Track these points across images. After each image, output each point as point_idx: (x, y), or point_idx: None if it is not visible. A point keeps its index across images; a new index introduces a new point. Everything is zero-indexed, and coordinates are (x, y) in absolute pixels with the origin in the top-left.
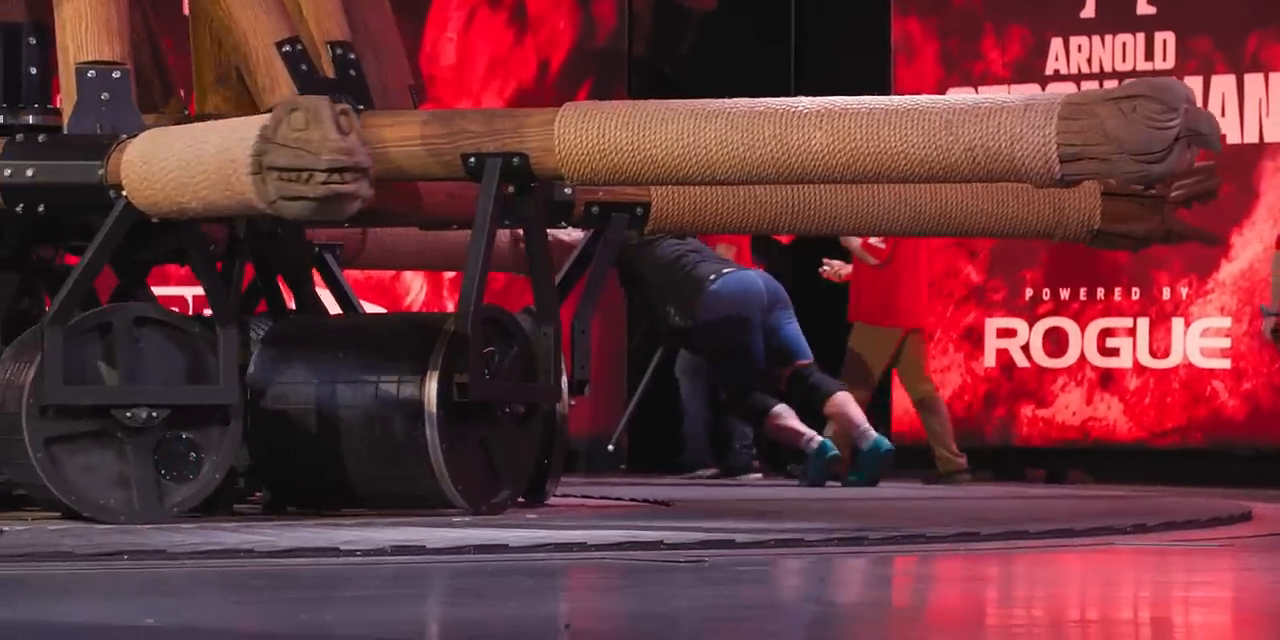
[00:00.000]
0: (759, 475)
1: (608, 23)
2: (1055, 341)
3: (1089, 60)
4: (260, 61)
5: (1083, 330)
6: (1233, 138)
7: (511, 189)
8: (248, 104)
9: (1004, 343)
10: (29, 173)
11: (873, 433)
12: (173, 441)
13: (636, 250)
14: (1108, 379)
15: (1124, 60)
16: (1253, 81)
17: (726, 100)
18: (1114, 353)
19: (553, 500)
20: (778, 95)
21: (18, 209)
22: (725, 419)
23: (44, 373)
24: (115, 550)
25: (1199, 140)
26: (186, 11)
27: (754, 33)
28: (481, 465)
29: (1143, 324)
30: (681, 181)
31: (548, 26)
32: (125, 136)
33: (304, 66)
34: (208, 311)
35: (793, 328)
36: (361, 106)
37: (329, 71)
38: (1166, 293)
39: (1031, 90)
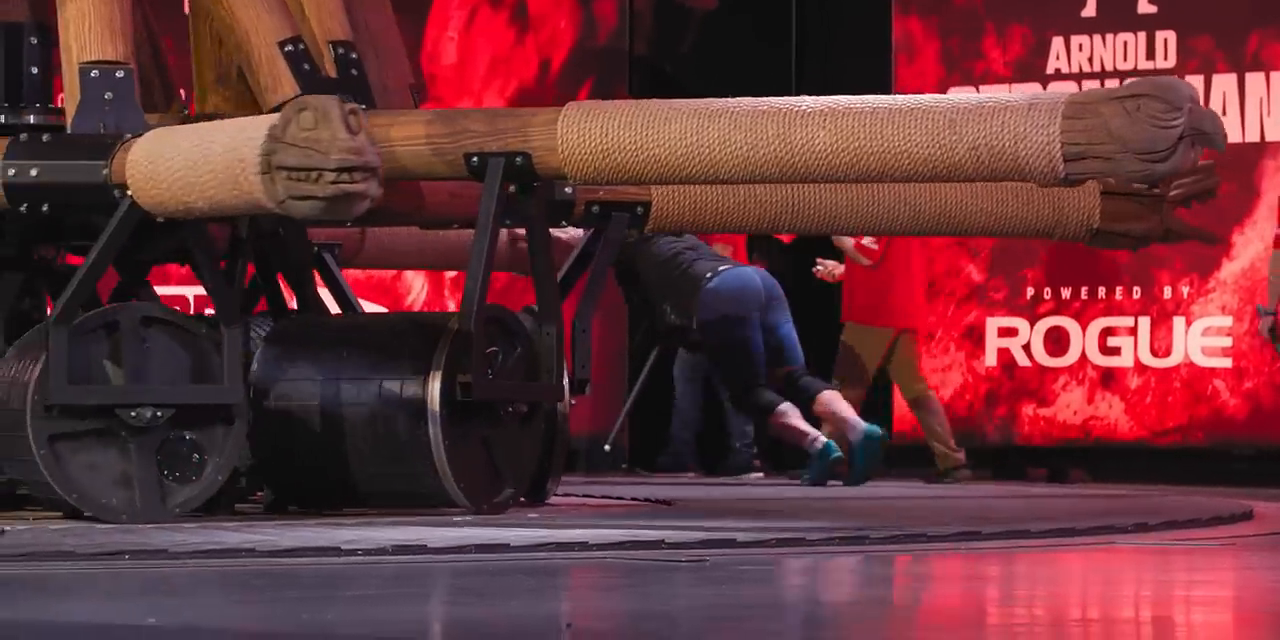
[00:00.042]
0: (760, 475)
1: (609, 22)
2: (1056, 340)
3: (1090, 59)
4: (263, 61)
5: (1084, 329)
6: (1234, 137)
7: (514, 188)
8: (248, 103)
9: (1005, 342)
10: (33, 172)
11: (862, 423)
12: (176, 442)
13: (633, 248)
14: (1109, 378)
15: (1125, 59)
16: (1254, 80)
17: (730, 99)
18: (1115, 352)
19: (554, 499)
20: (779, 94)
21: (21, 209)
22: (725, 419)
23: (49, 372)
24: (117, 550)
25: (1203, 139)
26: (187, 10)
27: (755, 32)
28: (484, 464)
29: (1144, 323)
30: (684, 181)
31: (549, 26)
32: (129, 136)
33: (306, 66)
34: (209, 311)
35: (789, 329)
36: (364, 106)
37: (331, 71)
38: (1168, 292)
39: (1032, 89)
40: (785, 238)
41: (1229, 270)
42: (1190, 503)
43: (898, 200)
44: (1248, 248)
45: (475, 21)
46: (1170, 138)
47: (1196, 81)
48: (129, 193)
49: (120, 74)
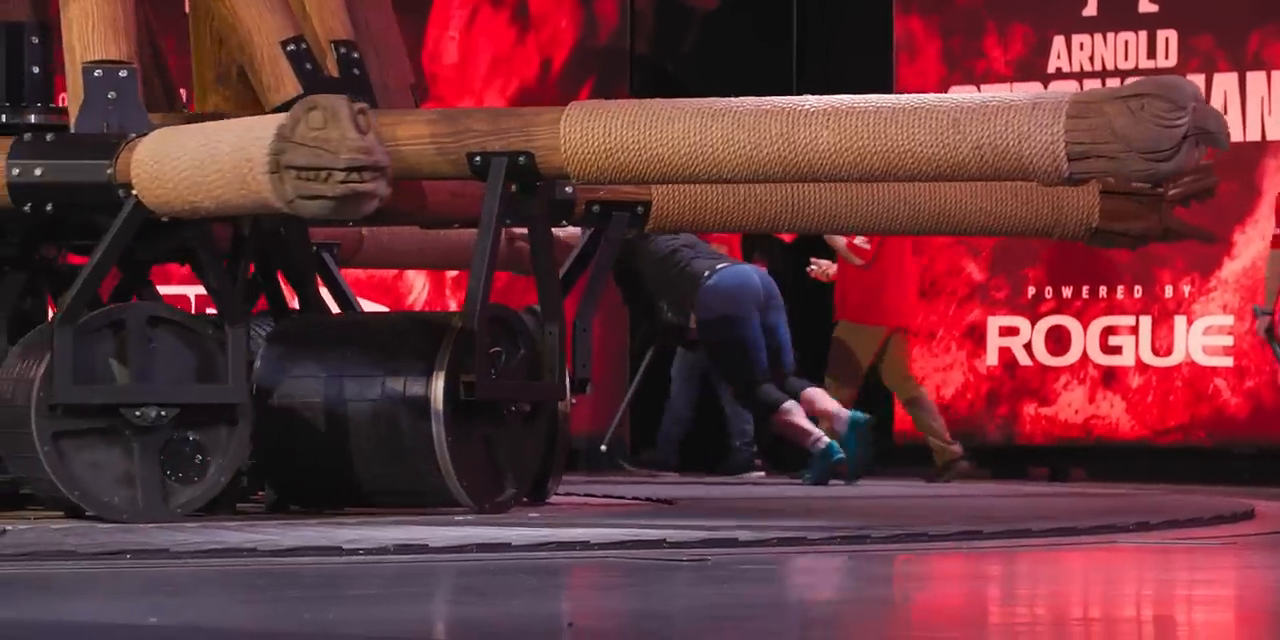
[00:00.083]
0: (761, 474)
1: (610, 21)
2: (1058, 340)
3: (1091, 58)
4: (265, 60)
5: (1085, 328)
6: (1235, 136)
7: (516, 188)
8: (248, 103)
9: (1006, 341)
10: (37, 172)
11: (845, 412)
12: (179, 443)
13: (630, 246)
14: (1110, 377)
15: (1126, 58)
16: (1255, 79)
17: (733, 99)
18: (1116, 351)
19: (555, 499)
20: (780, 94)
21: (26, 208)
22: (724, 418)
23: (54, 371)
24: (118, 549)
25: (1207, 138)
26: (187, 10)
27: (756, 31)
28: (486, 463)
29: (1145, 322)
30: (688, 180)
31: (550, 25)
32: (134, 136)
33: (308, 66)
34: (210, 310)
35: (785, 331)
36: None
37: (333, 71)
38: (1169, 291)
39: (1034, 88)
40: (787, 237)
41: (1230, 269)
42: (1191, 502)
43: (897, 199)
44: (1249, 246)
45: (476, 21)
46: (1174, 137)
47: (1198, 80)
48: (134, 192)
49: (123, 73)
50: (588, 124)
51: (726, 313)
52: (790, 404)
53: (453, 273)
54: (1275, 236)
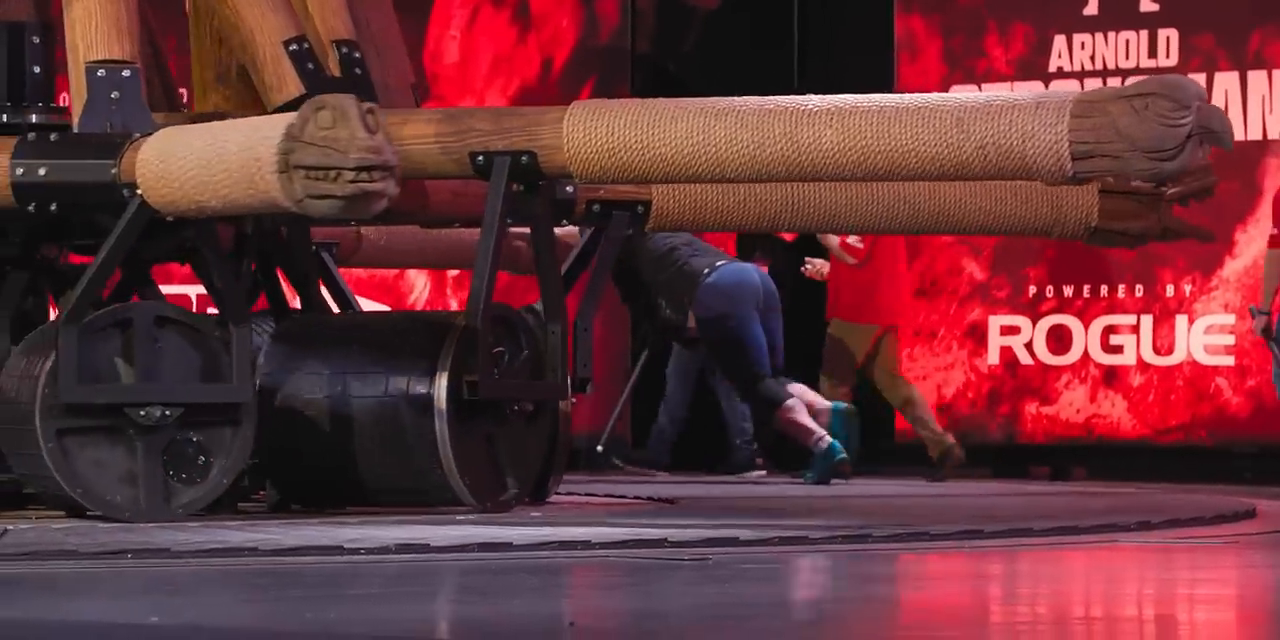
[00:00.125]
0: (762, 472)
1: (611, 21)
2: (1059, 339)
3: (1092, 57)
4: (267, 60)
5: (1086, 327)
6: (1236, 135)
7: (519, 187)
8: (248, 103)
9: (1008, 340)
10: (41, 171)
11: (827, 403)
12: (183, 443)
13: (628, 245)
14: (1111, 376)
15: (1127, 57)
16: (1256, 78)
17: (736, 98)
18: (1118, 350)
19: (556, 498)
20: (781, 93)
21: (30, 208)
22: (723, 417)
23: (59, 370)
24: (120, 549)
25: (1211, 138)
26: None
27: (757, 31)
28: (489, 462)
29: (1146, 321)
30: (691, 180)
31: (551, 24)
32: (138, 135)
33: (310, 65)
34: (211, 310)
35: (779, 334)
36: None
37: (335, 70)
38: (1170, 290)
39: (1035, 88)
40: (788, 236)
41: (1231, 268)
42: (1193, 501)
43: (897, 199)
44: (1250, 245)
45: (477, 20)
46: (1178, 136)
47: (1199, 79)
48: (139, 192)
49: (127, 73)
50: (590, 123)
51: (726, 310)
52: (793, 401)
53: (453, 272)
54: (1272, 236)
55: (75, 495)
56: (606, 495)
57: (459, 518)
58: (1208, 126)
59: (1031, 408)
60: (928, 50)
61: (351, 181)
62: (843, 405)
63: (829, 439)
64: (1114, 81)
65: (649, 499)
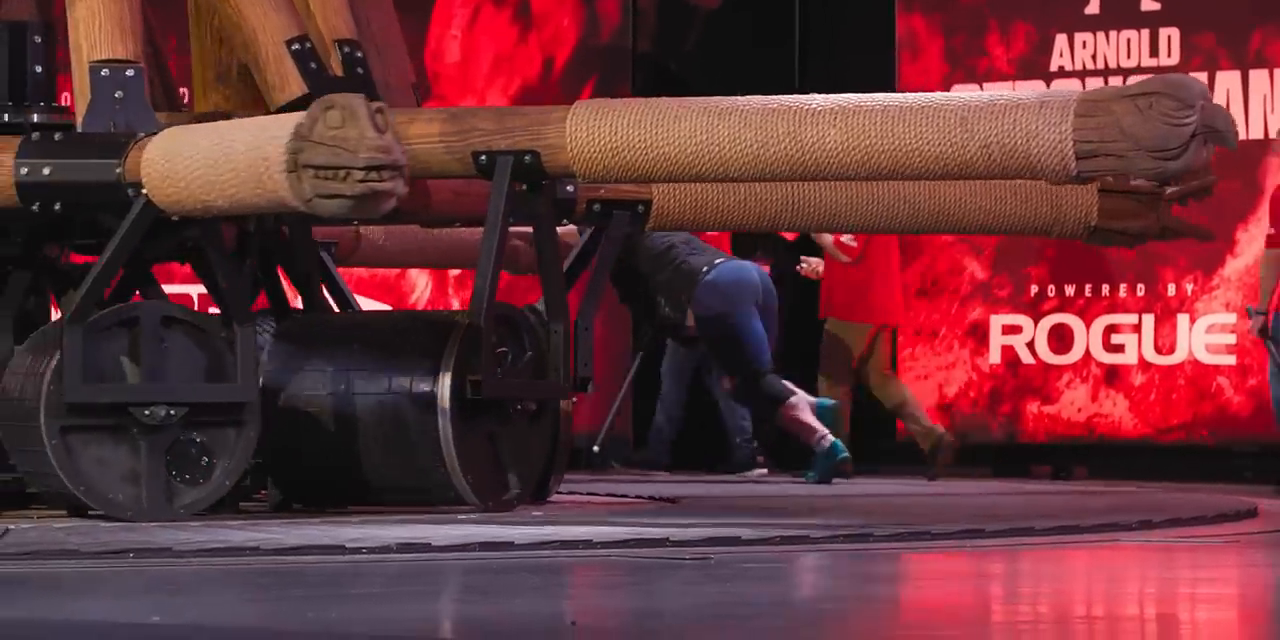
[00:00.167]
0: (763, 470)
1: (612, 20)
2: (1060, 338)
3: (1094, 56)
4: (270, 59)
5: (1088, 327)
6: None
7: (522, 186)
8: (248, 102)
9: (1009, 339)
10: (45, 171)
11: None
12: (186, 444)
13: (627, 244)
14: (1113, 375)
15: (1129, 56)
16: (1257, 77)
17: (739, 98)
18: (1119, 349)
19: (557, 497)
20: (782, 92)
21: (34, 207)
22: (721, 416)
23: (64, 370)
24: (121, 548)
25: (1215, 137)
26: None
27: (758, 30)
28: (491, 461)
29: (1148, 320)
30: (694, 179)
31: (552, 24)
32: (142, 134)
33: (313, 65)
34: (212, 310)
35: (773, 336)
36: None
37: (337, 70)
38: (1172, 289)
39: (1036, 87)
40: (790, 236)
41: (1233, 267)
42: (1194, 500)
43: (897, 198)
44: (1252, 244)
45: (479, 20)
46: (1183, 135)
47: (1200, 79)
48: (144, 191)
49: (130, 73)
50: (594, 123)
51: (726, 307)
52: (796, 398)
53: (454, 272)
54: (1270, 236)
55: (78, 493)
56: (608, 494)
57: (461, 517)
58: (1212, 125)
59: (1033, 407)
60: (929, 49)
61: (361, 181)
62: (829, 402)
63: (831, 438)
64: (1115, 81)
65: (650, 498)
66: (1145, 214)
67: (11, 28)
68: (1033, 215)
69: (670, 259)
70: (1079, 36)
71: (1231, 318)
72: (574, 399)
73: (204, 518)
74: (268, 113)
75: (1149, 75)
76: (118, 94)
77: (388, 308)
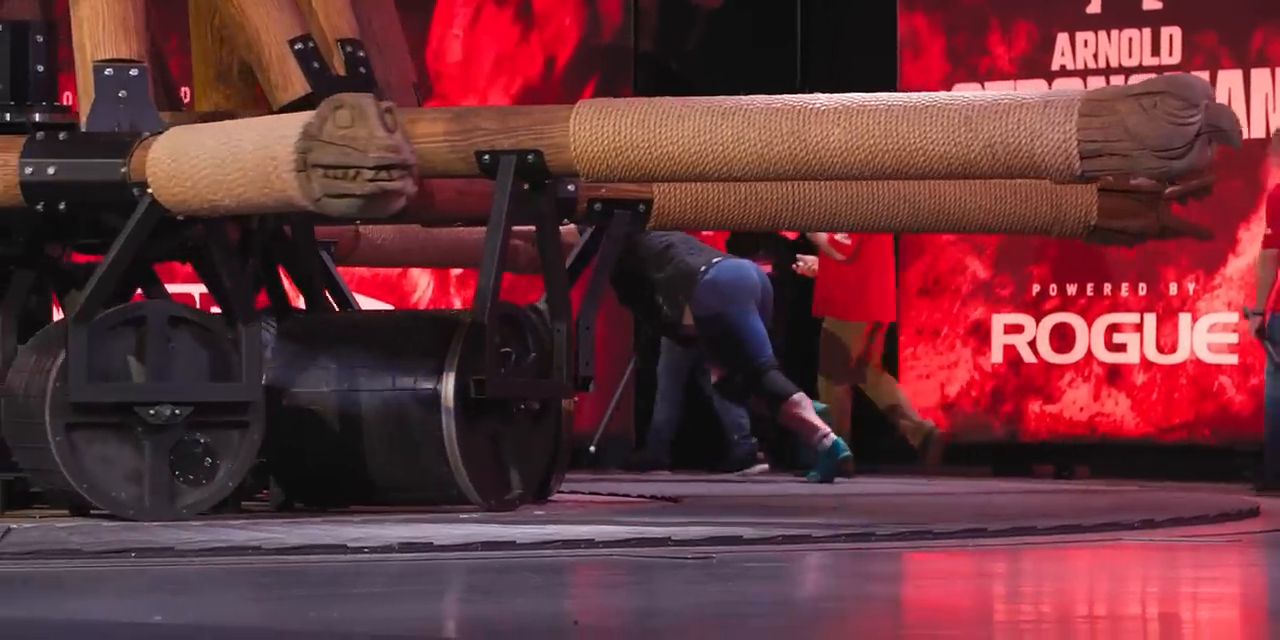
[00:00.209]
0: (764, 466)
1: (614, 19)
2: (1062, 337)
3: (1095, 55)
4: (273, 59)
5: (1090, 326)
6: None
7: (526, 186)
8: (249, 101)
9: (1011, 338)
10: (50, 170)
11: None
12: (190, 444)
13: (627, 244)
14: (1115, 374)
15: (1130, 55)
16: (1259, 76)
17: (743, 97)
18: (1121, 348)
19: (559, 496)
20: (784, 91)
21: (39, 207)
22: (717, 415)
23: (69, 370)
24: (123, 548)
25: (1220, 136)
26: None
27: (760, 29)
28: (495, 461)
29: (1150, 319)
30: (698, 178)
31: (554, 23)
32: (147, 134)
33: (316, 64)
34: (215, 309)
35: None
36: None
37: (339, 69)
38: (1174, 288)
39: (1038, 86)
40: (791, 234)
41: (1235, 266)
42: (1196, 499)
43: (897, 197)
44: (1253, 244)
45: (480, 19)
46: (1187, 135)
47: (1201, 77)
48: (149, 191)
49: (134, 72)
50: (597, 122)
51: (725, 306)
52: (799, 396)
53: (456, 271)
54: (1267, 237)
55: (80, 490)
56: (609, 494)
57: (463, 516)
58: (1216, 125)
59: (1035, 406)
60: (931, 48)
61: (371, 180)
62: (820, 406)
63: (833, 436)
64: (1117, 80)
65: (652, 498)
66: (1145, 213)
67: (13, 27)
68: (1032, 214)
69: (668, 258)
70: (1080, 35)
71: (1234, 317)
72: (575, 398)
73: (206, 517)
74: (270, 112)
75: (1151, 74)
76: (121, 93)
77: (389, 307)
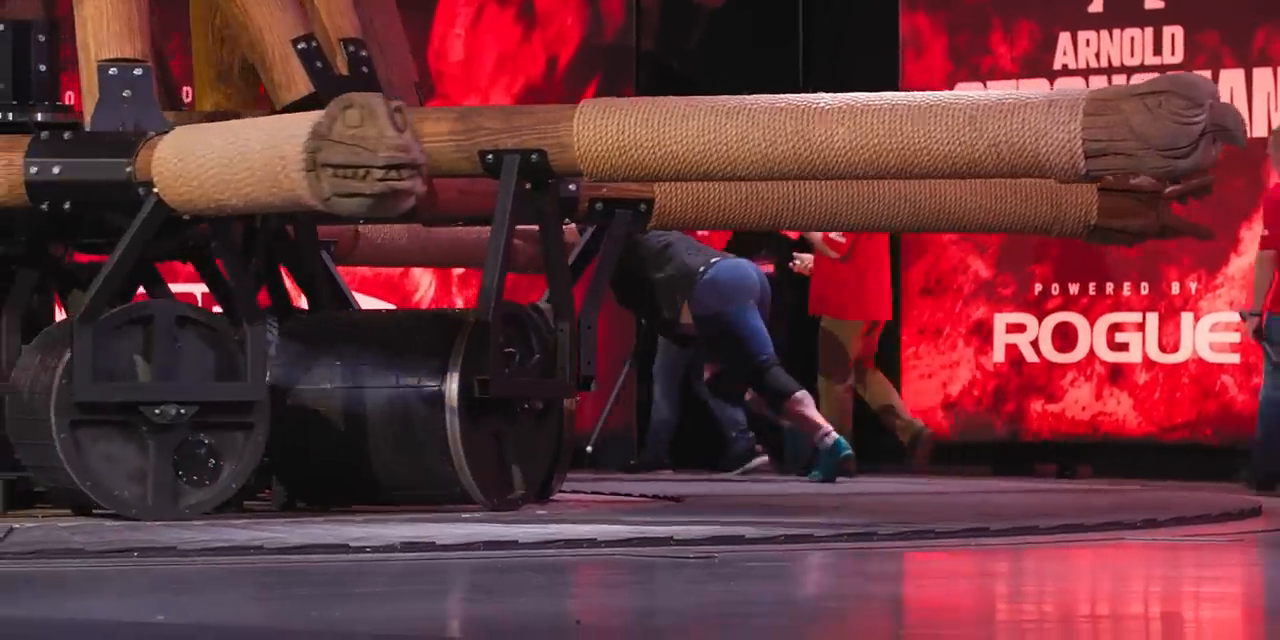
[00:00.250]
0: (764, 458)
1: (615, 18)
2: (1064, 336)
3: (1097, 55)
4: (276, 59)
5: (1092, 325)
6: None
7: (529, 185)
8: (250, 101)
9: (1013, 338)
10: (55, 170)
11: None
12: (194, 444)
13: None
14: (1117, 374)
15: (1132, 55)
16: (1261, 75)
17: (747, 96)
18: (1123, 347)
19: (560, 496)
20: (786, 91)
21: (43, 206)
22: (712, 413)
23: (74, 369)
24: (126, 547)
25: (1224, 136)
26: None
27: (762, 29)
28: (498, 460)
29: (1152, 319)
30: (702, 177)
31: (555, 22)
32: (153, 133)
33: (319, 64)
34: (216, 309)
35: None
36: None
37: (342, 69)
38: (1176, 287)
39: (1040, 85)
40: (793, 234)
41: (1237, 266)
42: (1199, 499)
43: (898, 197)
44: (1255, 243)
45: (482, 18)
46: (1192, 134)
47: (1206, 76)
48: (155, 190)
49: (138, 71)
50: (601, 121)
51: (724, 305)
52: (801, 394)
53: (457, 271)
54: (1263, 238)
55: (84, 488)
56: (611, 493)
57: (465, 516)
58: (1221, 124)
59: (1037, 405)
60: (933, 48)
61: (380, 180)
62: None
63: (834, 435)
64: (1119, 79)
65: (654, 497)
66: (1145, 212)
67: (15, 27)
68: (1033, 214)
69: (667, 258)
70: (1083, 35)
71: (1235, 316)
72: (577, 398)
73: (209, 517)
74: (272, 112)
75: (1153, 74)
76: (125, 93)
77: (391, 306)
